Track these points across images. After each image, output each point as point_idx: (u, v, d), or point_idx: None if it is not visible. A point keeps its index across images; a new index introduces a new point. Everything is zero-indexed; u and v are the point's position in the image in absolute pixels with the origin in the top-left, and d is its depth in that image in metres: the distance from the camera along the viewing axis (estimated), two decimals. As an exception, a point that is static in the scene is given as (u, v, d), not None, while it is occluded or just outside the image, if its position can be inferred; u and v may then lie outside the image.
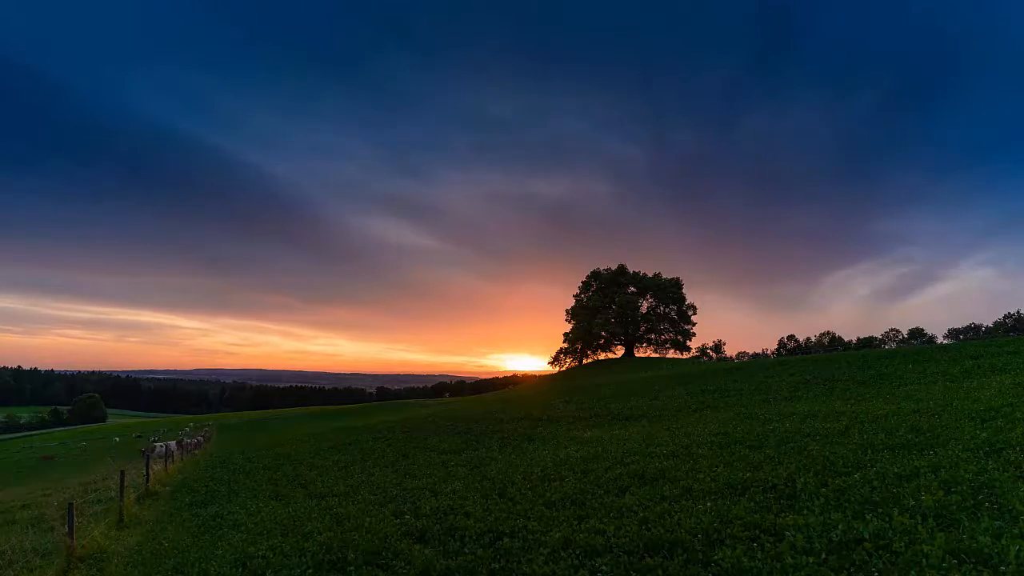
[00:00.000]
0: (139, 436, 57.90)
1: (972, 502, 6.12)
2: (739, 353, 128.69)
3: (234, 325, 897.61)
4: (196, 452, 29.51)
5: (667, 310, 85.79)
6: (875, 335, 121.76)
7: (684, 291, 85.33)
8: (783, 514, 6.74)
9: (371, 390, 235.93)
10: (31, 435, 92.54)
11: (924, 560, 4.92)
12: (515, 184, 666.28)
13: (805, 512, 6.68)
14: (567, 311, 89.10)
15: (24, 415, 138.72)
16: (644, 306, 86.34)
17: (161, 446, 28.39)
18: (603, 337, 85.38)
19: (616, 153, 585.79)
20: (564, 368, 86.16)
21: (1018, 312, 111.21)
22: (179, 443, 30.78)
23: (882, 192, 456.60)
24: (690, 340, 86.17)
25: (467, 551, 7.04)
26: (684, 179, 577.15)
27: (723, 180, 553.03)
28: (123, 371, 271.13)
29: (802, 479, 8.06)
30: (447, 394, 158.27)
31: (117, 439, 58.31)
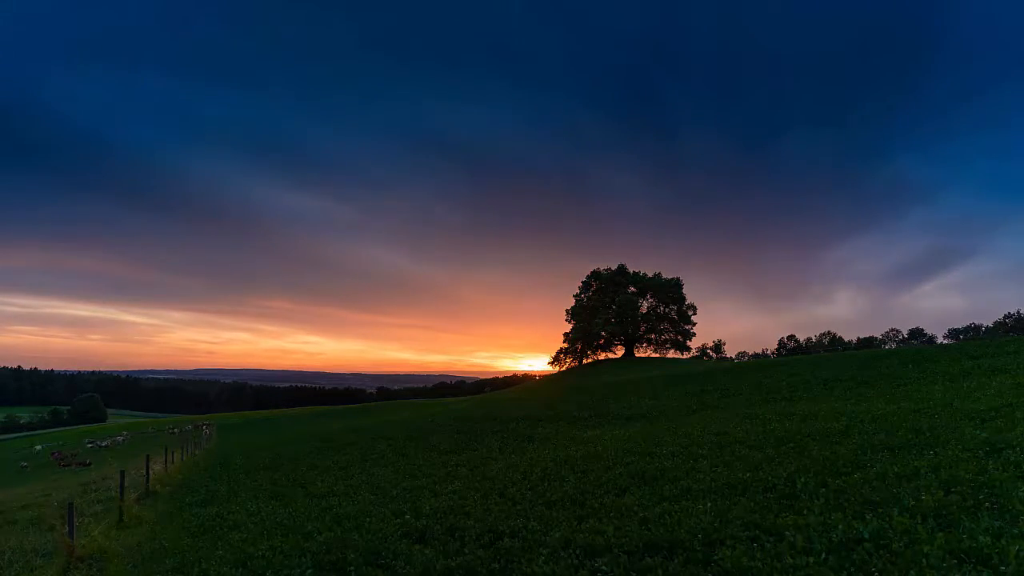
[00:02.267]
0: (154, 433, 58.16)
1: (972, 502, 6.12)
2: (739, 353, 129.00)
3: (185, 320, 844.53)
4: (196, 452, 29.53)
5: (667, 310, 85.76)
6: (875, 335, 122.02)
7: (684, 291, 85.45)
8: (783, 514, 6.73)
9: (371, 390, 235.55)
10: (32, 435, 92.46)
11: (924, 560, 4.92)
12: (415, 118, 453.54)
13: (805, 512, 6.68)
14: (567, 311, 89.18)
15: (24, 415, 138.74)
16: (644, 306, 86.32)
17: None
18: (603, 337, 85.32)
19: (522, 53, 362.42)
20: (564, 368, 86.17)
21: (1018, 312, 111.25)
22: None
23: (902, 112, 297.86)
24: (690, 340, 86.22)
25: (467, 551, 7.04)
26: (629, 96, 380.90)
27: (677, 83, 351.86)
28: (123, 371, 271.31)
29: (802, 479, 8.06)
30: (447, 394, 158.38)
31: (176, 431, 58.79)
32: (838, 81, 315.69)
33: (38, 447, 48.75)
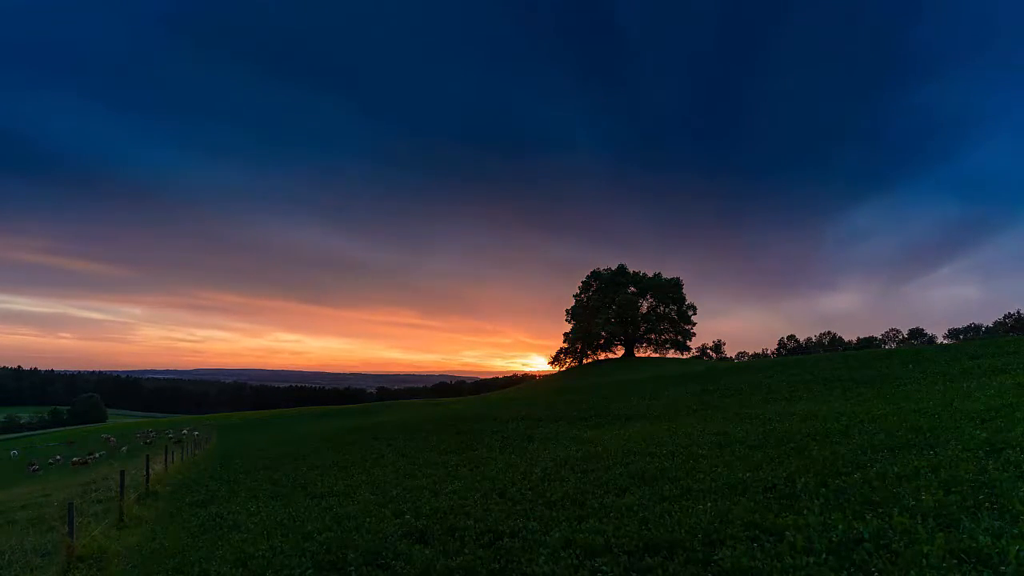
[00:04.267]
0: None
1: (972, 502, 6.12)
2: (739, 353, 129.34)
3: (146, 317, 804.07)
4: (196, 452, 29.53)
5: (667, 310, 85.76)
6: (875, 335, 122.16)
7: (684, 291, 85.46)
8: (783, 514, 6.73)
9: (371, 390, 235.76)
10: (32, 435, 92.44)
11: (924, 560, 4.92)
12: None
13: (805, 512, 6.68)
14: (567, 311, 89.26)
15: (24, 415, 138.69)
16: (644, 306, 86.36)
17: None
18: (603, 337, 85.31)
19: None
20: (564, 368, 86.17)
21: (1018, 312, 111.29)
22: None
23: (928, 27, 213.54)
24: (690, 340, 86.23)
25: (467, 551, 7.04)
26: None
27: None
28: (124, 371, 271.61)
29: (802, 479, 8.06)
30: (447, 394, 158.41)
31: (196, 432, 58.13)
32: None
33: (13, 451, 49.27)
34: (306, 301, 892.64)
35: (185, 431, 54.64)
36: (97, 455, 40.42)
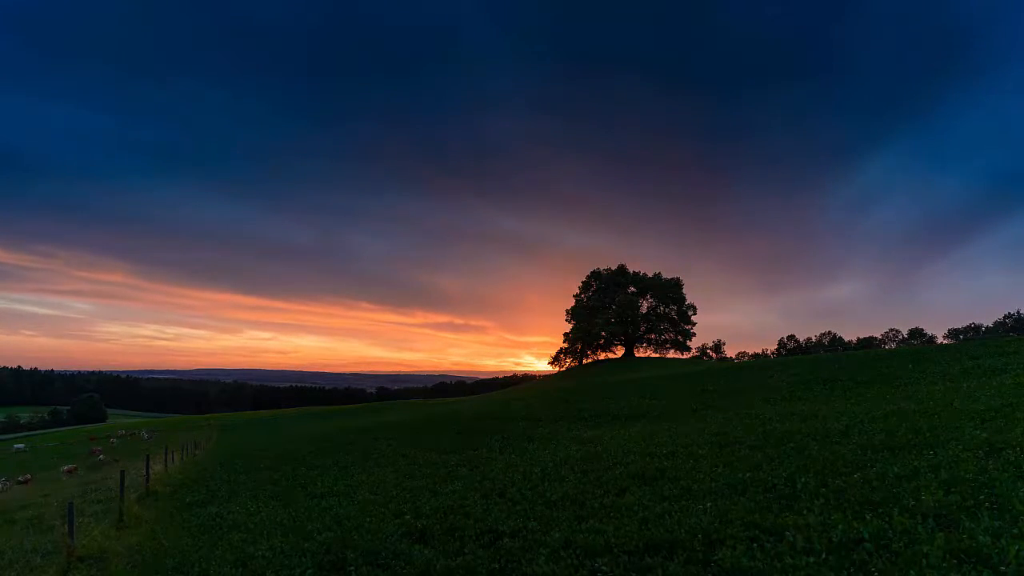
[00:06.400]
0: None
1: (972, 502, 6.12)
2: (739, 353, 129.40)
3: (99, 313, 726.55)
4: (196, 452, 29.52)
5: (667, 310, 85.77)
6: (875, 335, 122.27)
7: (684, 291, 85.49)
8: (783, 514, 6.73)
9: (371, 390, 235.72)
10: (31, 435, 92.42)
11: (924, 560, 4.92)
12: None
13: (805, 512, 6.68)
14: (567, 311, 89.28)
15: (24, 415, 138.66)
16: (644, 306, 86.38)
17: None
18: (603, 337, 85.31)
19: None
20: (564, 368, 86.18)
21: (1018, 312, 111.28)
22: None
23: None
24: (690, 340, 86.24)
25: (467, 551, 7.03)
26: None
27: None
28: (123, 371, 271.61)
29: (802, 479, 8.06)
30: (447, 394, 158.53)
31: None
32: None
33: (19, 445, 50.70)
34: (270, 296, 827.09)
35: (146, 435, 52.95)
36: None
